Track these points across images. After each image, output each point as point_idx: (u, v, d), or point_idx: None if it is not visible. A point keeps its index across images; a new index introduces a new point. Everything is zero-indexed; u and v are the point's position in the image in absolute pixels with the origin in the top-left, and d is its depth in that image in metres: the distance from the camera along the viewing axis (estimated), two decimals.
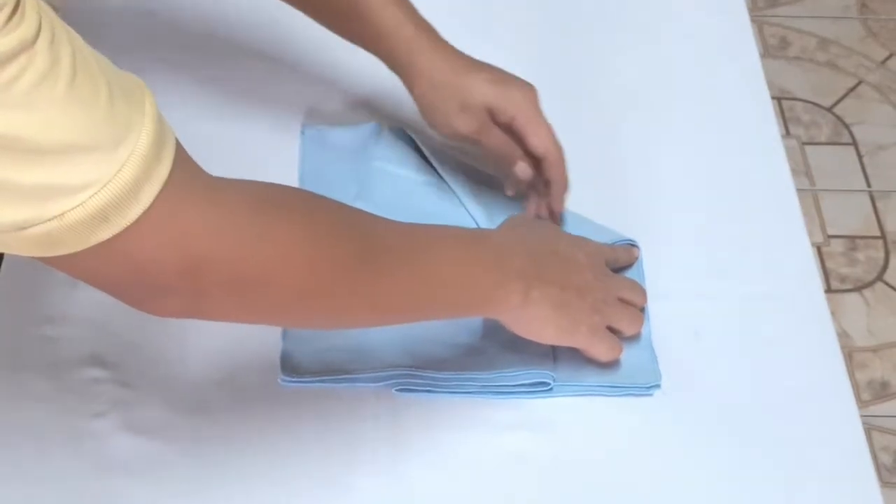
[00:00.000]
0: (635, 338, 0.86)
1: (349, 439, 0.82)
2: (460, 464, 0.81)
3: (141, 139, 0.56)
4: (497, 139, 0.89)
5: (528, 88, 0.88)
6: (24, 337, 0.86)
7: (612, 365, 0.85)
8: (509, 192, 0.93)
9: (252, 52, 1.06)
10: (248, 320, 0.71)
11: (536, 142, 0.87)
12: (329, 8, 0.91)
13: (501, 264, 0.79)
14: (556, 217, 0.92)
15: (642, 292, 0.88)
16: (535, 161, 0.89)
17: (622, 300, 0.86)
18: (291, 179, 0.96)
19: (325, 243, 0.68)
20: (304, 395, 0.84)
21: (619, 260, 0.90)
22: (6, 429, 0.82)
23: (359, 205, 0.93)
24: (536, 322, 0.81)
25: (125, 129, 0.56)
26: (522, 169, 0.89)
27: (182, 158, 0.60)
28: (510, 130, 0.88)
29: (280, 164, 0.97)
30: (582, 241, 0.87)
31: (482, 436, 0.82)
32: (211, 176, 0.63)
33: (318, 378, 0.84)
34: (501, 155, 0.90)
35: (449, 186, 0.96)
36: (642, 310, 0.87)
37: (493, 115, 0.88)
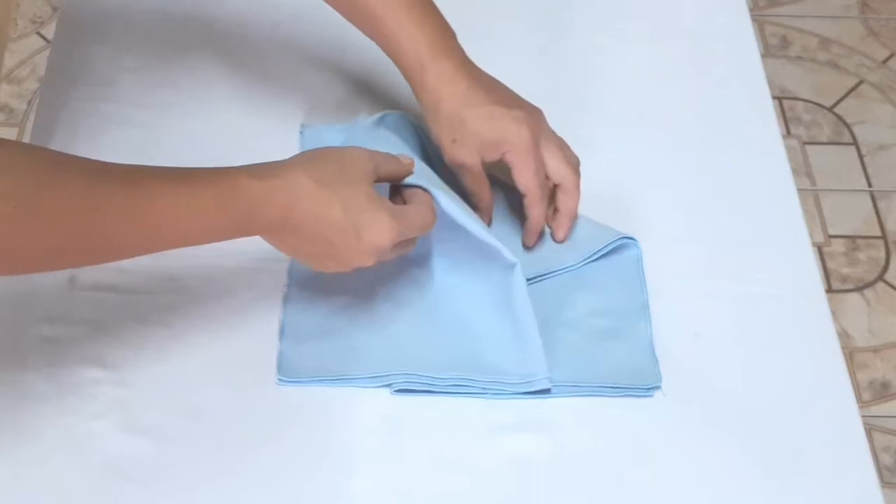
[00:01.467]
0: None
1: (347, 439, 0.82)
2: (459, 464, 0.81)
3: None
4: (469, 181, 0.90)
5: (523, 123, 0.87)
6: (24, 337, 0.86)
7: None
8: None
9: (252, 52, 1.06)
10: None
11: (519, 180, 0.88)
12: (351, 9, 0.92)
13: (234, 226, 0.77)
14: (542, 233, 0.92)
15: (423, 211, 0.83)
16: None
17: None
18: None
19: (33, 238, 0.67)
20: (302, 396, 0.84)
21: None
22: (6, 429, 0.82)
23: None
24: (286, 248, 0.80)
25: None
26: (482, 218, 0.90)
27: None
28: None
29: None
30: (376, 230, 0.80)
31: (481, 437, 0.82)
32: None
33: (315, 378, 0.84)
34: (470, 193, 0.91)
35: (448, 180, 0.96)
36: None
37: (482, 153, 0.88)
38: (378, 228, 0.79)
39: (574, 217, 0.91)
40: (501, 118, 0.87)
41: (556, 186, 0.90)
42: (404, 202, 0.84)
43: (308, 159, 0.80)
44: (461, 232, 0.86)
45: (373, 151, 0.83)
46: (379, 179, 0.82)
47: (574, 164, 0.90)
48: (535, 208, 0.89)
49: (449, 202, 0.85)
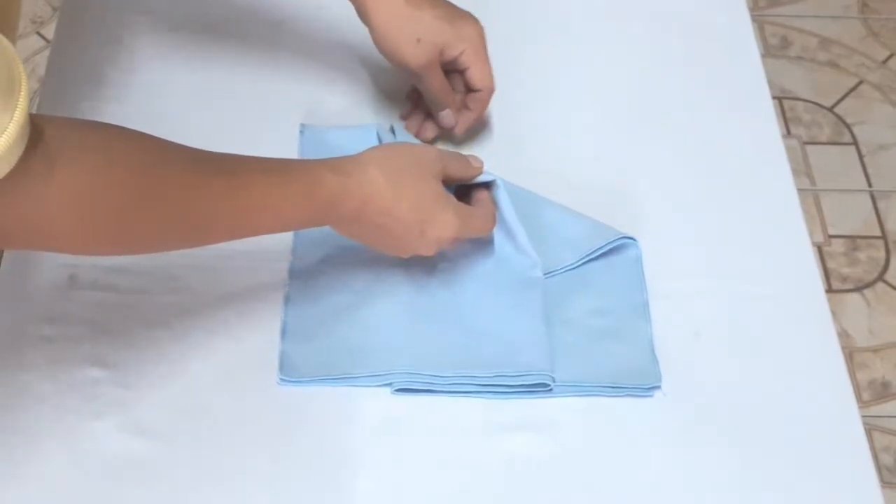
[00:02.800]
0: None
1: (348, 439, 0.82)
2: (460, 464, 0.81)
3: None
4: (437, 80, 0.95)
5: (477, 25, 0.94)
6: (24, 337, 0.86)
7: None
8: (428, 135, 0.98)
9: (252, 52, 1.06)
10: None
11: (479, 75, 0.95)
12: None
13: (316, 210, 0.80)
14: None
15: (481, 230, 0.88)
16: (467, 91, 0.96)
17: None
18: None
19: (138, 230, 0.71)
20: (303, 395, 0.84)
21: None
22: (6, 429, 0.82)
23: None
24: (359, 239, 0.84)
25: None
26: (447, 115, 0.97)
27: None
28: (453, 65, 0.94)
29: None
30: (442, 224, 0.84)
31: (482, 436, 0.82)
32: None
33: (316, 378, 0.84)
34: (436, 96, 0.96)
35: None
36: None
37: (443, 51, 0.93)
38: (441, 225, 0.83)
39: (477, 120, 0.98)
40: (458, 18, 0.93)
41: (473, 93, 0.96)
42: (469, 203, 0.88)
43: (382, 155, 0.83)
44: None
45: (443, 151, 0.87)
46: (447, 179, 0.86)
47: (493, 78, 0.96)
48: (484, 103, 0.97)
49: (507, 202, 0.89)
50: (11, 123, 0.59)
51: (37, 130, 0.62)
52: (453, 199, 0.85)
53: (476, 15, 0.95)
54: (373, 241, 0.85)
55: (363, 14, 0.93)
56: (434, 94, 0.96)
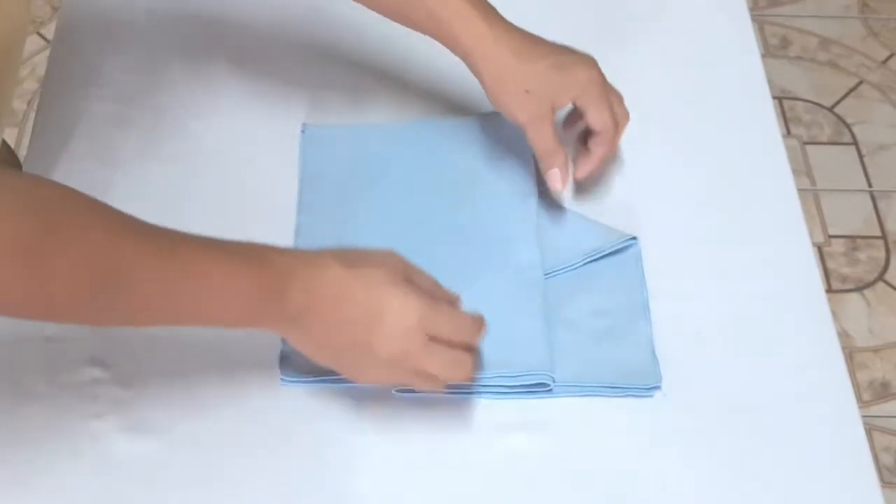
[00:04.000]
0: (462, 380, 0.79)
1: (349, 439, 0.82)
2: (460, 464, 0.81)
3: None
4: (542, 135, 0.90)
5: (591, 68, 0.90)
6: (24, 337, 0.86)
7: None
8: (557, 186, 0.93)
9: (253, 52, 1.06)
10: None
11: (596, 117, 0.90)
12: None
13: (259, 290, 0.73)
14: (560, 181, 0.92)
15: (459, 371, 0.78)
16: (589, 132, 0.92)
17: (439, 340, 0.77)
18: (291, 179, 0.96)
19: (47, 286, 0.64)
20: (304, 396, 0.84)
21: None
22: (6, 429, 0.82)
23: (359, 204, 0.95)
24: (312, 354, 0.77)
25: None
26: (553, 176, 0.91)
27: None
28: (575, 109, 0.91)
29: (280, 164, 0.97)
30: (404, 306, 0.76)
31: (482, 437, 0.82)
32: None
33: (317, 378, 0.84)
34: (540, 153, 0.91)
35: (449, 185, 0.96)
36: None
37: (554, 100, 0.90)
38: (401, 305, 0.75)
39: (599, 162, 0.93)
40: (567, 66, 0.90)
41: (595, 132, 0.92)
42: None
43: (338, 249, 0.78)
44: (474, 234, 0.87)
45: (409, 262, 0.79)
46: (408, 281, 0.77)
47: (620, 118, 0.92)
48: (605, 146, 0.92)
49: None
50: None
51: None
52: (416, 285, 0.77)
53: None
54: (330, 348, 0.77)
55: (475, 71, 0.90)
56: (538, 152, 0.91)
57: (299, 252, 0.77)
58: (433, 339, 0.76)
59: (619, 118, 0.92)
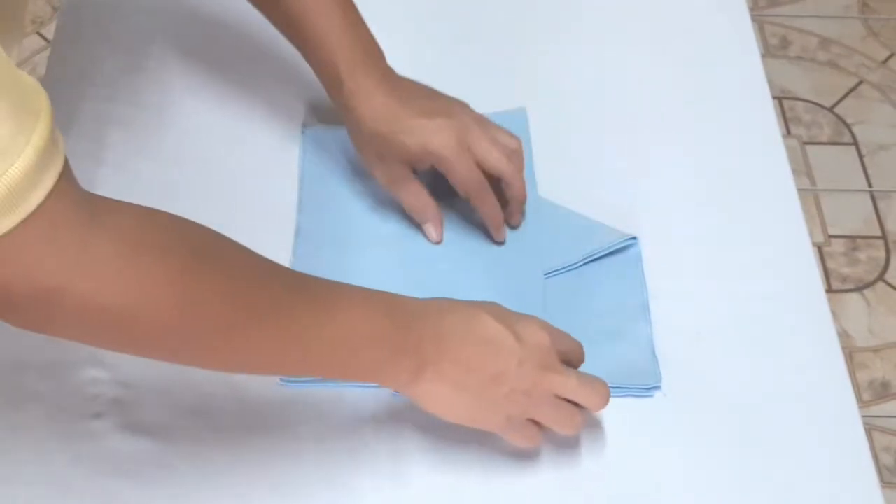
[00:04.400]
0: (571, 435, 0.80)
1: (349, 440, 0.82)
2: (461, 465, 0.81)
3: (26, 152, 0.55)
4: (409, 192, 0.91)
5: (445, 130, 0.87)
6: (24, 337, 0.86)
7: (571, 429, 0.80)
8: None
9: (252, 52, 1.06)
10: (103, 347, 0.69)
11: (456, 186, 0.89)
12: (277, 13, 0.92)
13: (394, 338, 0.73)
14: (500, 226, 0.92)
15: (595, 394, 0.78)
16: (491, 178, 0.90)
17: (559, 397, 0.78)
18: (291, 179, 0.96)
19: (199, 296, 0.65)
20: (305, 396, 0.84)
21: (572, 357, 0.80)
22: (6, 429, 0.82)
23: (359, 204, 0.95)
24: (438, 401, 0.76)
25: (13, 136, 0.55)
26: (430, 232, 0.92)
27: (67, 179, 0.59)
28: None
29: (280, 164, 0.98)
30: (533, 329, 0.77)
31: (482, 437, 0.82)
32: (95, 201, 0.61)
33: (318, 379, 0.84)
34: (413, 209, 0.92)
35: (448, 185, 0.96)
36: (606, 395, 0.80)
37: (414, 165, 0.89)
38: (533, 328, 0.77)
39: (522, 202, 0.91)
40: (422, 129, 0.88)
41: (498, 180, 0.90)
42: None
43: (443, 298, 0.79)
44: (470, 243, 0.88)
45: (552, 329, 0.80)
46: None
47: (509, 152, 0.90)
48: (482, 205, 0.90)
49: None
50: (28, 146, 0.55)
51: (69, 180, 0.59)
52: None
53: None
54: (467, 387, 0.75)
55: (337, 108, 0.91)
56: (406, 209, 0.92)
57: (419, 300, 0.76)
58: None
59: (489, 162, 0.88)
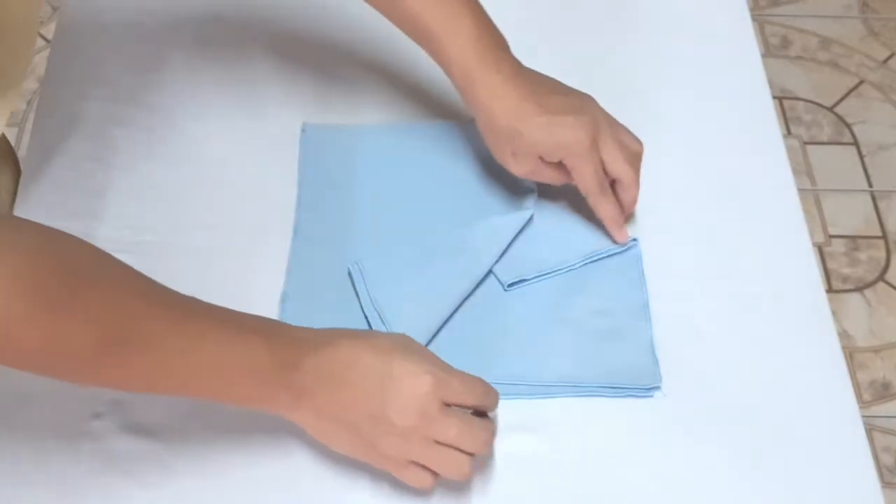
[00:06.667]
0: (459, 480, 0.78)
1: None
2: None
3: None
4: (551, 178, 0.90)
5: (578, 129, 0.87)
6: None
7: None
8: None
9: (252, 52, 1.06)
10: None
11: (579, 184, 0.89)
12: (396, 9, 0.91)
13: (270, 369, 0.74)
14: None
15: (476, 440, 0.76)
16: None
17: (444, 444, 0.75)
18: (291, 179, 0.96)
19: (64, 328, 0.66)
20: None
21: (467, 398, 0.77)
22: (6, 429, 0.82)
23: (358, 203, 0.95)
24: (321, 433, 0.77)
25: None
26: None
27: None
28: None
29: (280, 164, 0.97)
30: (414, 374, 0.75)
31: None
32: None
33: None
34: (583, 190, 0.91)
35: (448, 186, 0.96)
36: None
37: (544, 157, 0.88)
38: (415, 370, 0.75)
39: (633, 205, 0.92)
40: (556, 126, 0.87)
41: (614, 181, 0.90)
42: None
43: (344, 329, 0.79)
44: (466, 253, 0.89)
45: (415, 341, 0.79)
46: (418, 352, 0.78)
47: (632, 156, 0.90)
48: (601, 206, 0.90)
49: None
50: None
51: None
52: (430, 352, 0.78)
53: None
54: (338, 419, 0.76)
55: (467, 106, 0.90)
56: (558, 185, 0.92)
57: (309, 329, 0.77)
58: (448, 405, 0.76)
59: (612, 166, 0.89)
